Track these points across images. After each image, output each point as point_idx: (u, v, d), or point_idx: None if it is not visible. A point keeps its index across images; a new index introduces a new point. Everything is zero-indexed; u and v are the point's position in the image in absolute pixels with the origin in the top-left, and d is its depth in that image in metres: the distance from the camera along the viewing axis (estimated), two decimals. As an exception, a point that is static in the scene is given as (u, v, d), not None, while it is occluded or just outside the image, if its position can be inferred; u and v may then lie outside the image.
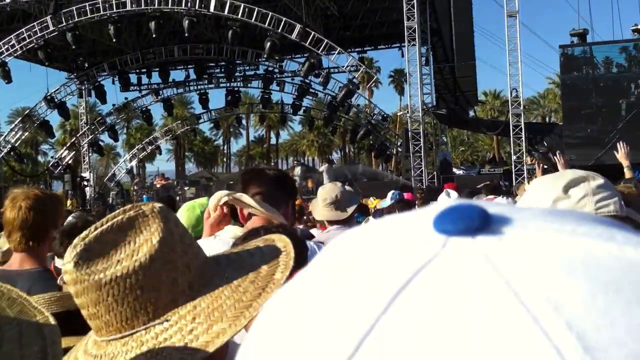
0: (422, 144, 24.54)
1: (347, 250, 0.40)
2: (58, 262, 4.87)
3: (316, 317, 0.36)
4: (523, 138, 24.19)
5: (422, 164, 24.55)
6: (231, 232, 2.52)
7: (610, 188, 1.47)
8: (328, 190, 4.47)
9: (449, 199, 6.31)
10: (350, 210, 4.35)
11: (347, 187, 4.77)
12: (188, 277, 1.17)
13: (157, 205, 1.21)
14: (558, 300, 0.31)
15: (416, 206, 9.55)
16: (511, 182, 23.46)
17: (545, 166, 24.07)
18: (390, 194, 9.52)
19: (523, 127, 24.25)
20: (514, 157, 24.52)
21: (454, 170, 28.58)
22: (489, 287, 0.33)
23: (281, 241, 1.31)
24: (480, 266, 0.34)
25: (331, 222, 4.38)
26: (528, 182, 8.78)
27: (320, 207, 4.42)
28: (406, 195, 9.79)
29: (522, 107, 24.72)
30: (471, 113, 29.64)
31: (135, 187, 35.91)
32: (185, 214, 3.79)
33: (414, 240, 0.37)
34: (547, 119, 63.60)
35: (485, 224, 0.36)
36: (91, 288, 1.10)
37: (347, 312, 0.34)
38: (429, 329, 0.32)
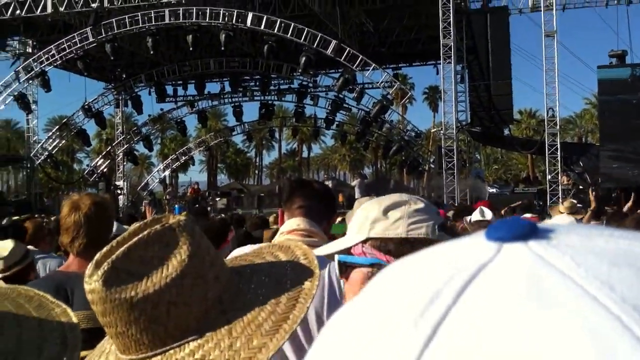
0: (455, 161, 24.36)
1: (404, 266, 0.45)
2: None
3: (386, 316, 0.40)
4: (559, 158, 23.87)
5: (455, 181, 24.35)
6: None
7: (429, 212, 1.56)
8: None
9: (482, 217, 6.23)
10: None
11: None
12: (217, 289, 1.15)
13: (183, 217, 1.18)
14: (610, 282, 0.37)
15: (448, 223, 9.48)
16: (545, 201, 23.16)
17: (580, 186, 23.85)
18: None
19: (559, 147, 23.94)
20: (548, 177, 24.20)
21: (487, 188, 28.31)
22: (547, 278, 0.38)
23: (299, 249, 1.28)
24: (535, 263, 0.40)
25: None
26: (562, 203, 8.62)
27: None
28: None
29: (558, 127, 24.41)
30: (506, 131, 29.36)
31: (167, 197, 36.25)
32: None
33: (468, 249, 0.43)
34: (583, 139, 62.70)
35: (533, 231, 0.42)
36: (121, 307, 1.08)
37: (415, 308, 0.39)
38: (497, 315, 0.37)
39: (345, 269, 1.55)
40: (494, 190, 28.76)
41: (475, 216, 6.48)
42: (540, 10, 24.05)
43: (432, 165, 31.64)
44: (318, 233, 2.56)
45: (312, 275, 1.19)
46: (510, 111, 26.53)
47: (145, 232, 1.11)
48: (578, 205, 9.05)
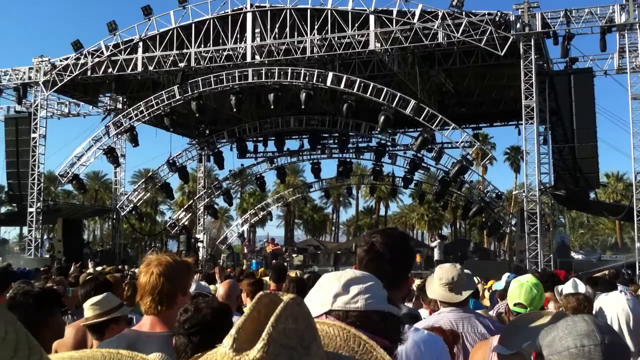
0: (538, 225, 23.56)
1: None
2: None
3: None
4: (648, 224, 22.68)
5: (538, 245, 23.49)
6: None
7: (379, 288, 1.82)
8: (446, 271, 4.43)
9: (575, 291, 5.84)
10: (466, 294, 4.30)
11: (466, 271, 4.61)
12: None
13: (298, 297, 1.29)
14: None
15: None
16: (634, 270, 21.97)
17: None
18: (505, 277, 9.14)
19: (648, 213, 22.77)
20: (637, 244, 22.98)
21: (573, 254, 27.13)
22: None
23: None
24: None
25: (444, 303, 4.35)
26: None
27: (435, 286, 4.38)
28: (521, 279, 9.31)
29: (647, 192, 23.27)
30: (592, 195, 28.22)
31: (245, 251, 36.61)
32: (524, 294, 4.38)
33: None
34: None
35: None
36: None
37: None
38: None
39: None
40: (580, 256, 27.58)
41: (567, 288, 6.13)
42: (627, 73, 23.40)
43: (514, 228, 30.74)
44: None
45: None
46: (596, 175, 25.46)
47: (282, 307, 1.18)
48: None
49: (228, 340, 1.13)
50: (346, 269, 1.94)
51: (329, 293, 1.80)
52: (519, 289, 4.60)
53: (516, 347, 2.72)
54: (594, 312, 3.39)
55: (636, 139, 22.90)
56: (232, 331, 1.15)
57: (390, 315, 1.79)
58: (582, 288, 5.98)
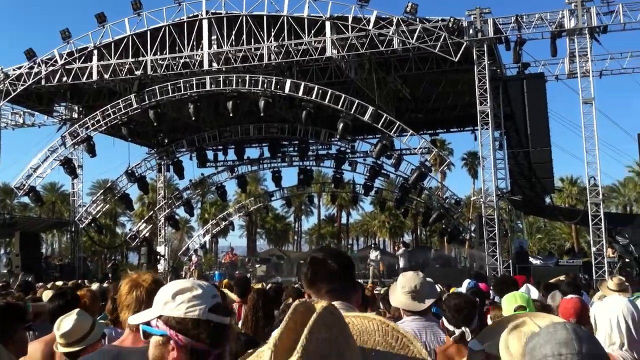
0: (496, 231, 23.78)
1: None
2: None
3: None
4: (603, 229, 23.04)
5: (497, 251, 23.70)
6: None
7: (204, 297, 2.00)
8: (409, 279, 4.44)
9: (528, 296, 5.93)
10: (429, 302, 4.35)
11: (429, 279, 4.63)
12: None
13: (331, 305, 1.30)
14: None
15: (490, 297, 9.12)
16: (591, 274, 22.30)
17: (627, 259, 22.89)
18: (465, 283, 9.26)
19: (602, 217, 23.16)
20: (593, 249, 23.30)
21: (531, 259, 27.43)
22: None
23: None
24: None
25: (406, 312, 4.35)
26: (611, 279, 8.27)
27: (398, 294, 4.41)
28: (481, 285, 9.45)
29: (601, 197, 23.65)
30: (547, 200, 28.67)
31: (192, 267, 34.58)
32: (520, 298, 5.01)
33: None
34: (627, 209, 60.96)
35: None
36: None
37: None
38: None
39: (148, 334, 2.05)
40: (538, 262, 27.95)
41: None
42: (577, 77, 23.85)
43: (473, 234, 31.04)
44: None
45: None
46: (551, 179, 25.81)
47: (314, 318, 1.21)
48: (626, 283, 8.60)
49: (267, 354, 1.17)
50: (179, 280, 2.15)
51: (161, 300, 2.03)
52: (514, 297, 4.99)
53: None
54: (592, 318, 3.35)
55: (588, 143, 23.20)
56: (271, 344, 1.18)
57: (209, 322, 1.97)
58: (534, 294, 6.11)
